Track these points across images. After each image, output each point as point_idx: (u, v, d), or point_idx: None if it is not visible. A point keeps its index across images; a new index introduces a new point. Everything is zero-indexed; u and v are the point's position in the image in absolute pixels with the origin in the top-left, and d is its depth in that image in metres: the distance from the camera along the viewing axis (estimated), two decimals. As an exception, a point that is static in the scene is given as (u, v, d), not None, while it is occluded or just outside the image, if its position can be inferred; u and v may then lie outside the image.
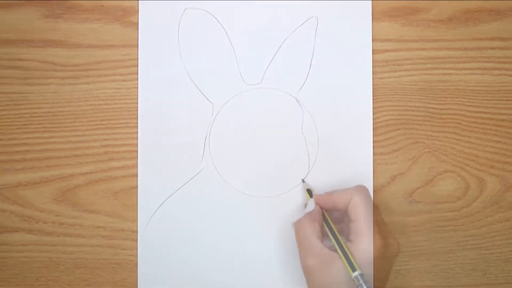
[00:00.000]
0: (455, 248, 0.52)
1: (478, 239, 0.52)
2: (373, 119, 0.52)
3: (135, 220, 0.51)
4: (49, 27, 0.51)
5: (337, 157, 0.51)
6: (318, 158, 0.51)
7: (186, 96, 0.51)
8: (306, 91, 0.52)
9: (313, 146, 0.52)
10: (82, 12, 0.51)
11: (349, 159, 0.51)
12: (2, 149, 0.51)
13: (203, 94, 0.51)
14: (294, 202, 0.51)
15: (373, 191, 0.51)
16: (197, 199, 0.51)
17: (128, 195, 0.51)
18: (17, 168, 0.51)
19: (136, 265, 0.51)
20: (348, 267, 0.43)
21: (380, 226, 0.46)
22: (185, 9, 0.51)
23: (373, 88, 0.52)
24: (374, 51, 0.52)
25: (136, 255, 0.51)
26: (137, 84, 0.51)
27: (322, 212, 0.48)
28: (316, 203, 0.48)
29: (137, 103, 0.51)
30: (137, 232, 0.51)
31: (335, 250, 0.45)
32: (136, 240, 0.51)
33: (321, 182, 0.51)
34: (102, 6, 0.51)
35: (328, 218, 0.47)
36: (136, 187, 0.51)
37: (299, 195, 0.51)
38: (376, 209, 0.47)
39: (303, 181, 0.51)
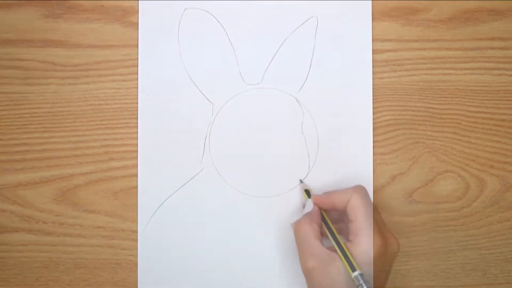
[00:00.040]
0: (455, 248, 0.52)
1: (478, 239, 0.52)
2: (373, 119, 0.52)
3: (135, 220, 0.51)
4: (49, 27, 0.51)
5: (337, 157, 0.51)
6: (318, 158, 0.51)
7: (186, 96, 0.51)
8: (306, 91, 0.52)
9: (313, 146, 0.52)
10: (82, 12, 0.51)
11: (349, 159, 0.51)
12: (2, 149, 0.51)
13: (203, 94, 0.51)
14: (294, 202, 0.51)
15: (373, 191, 0.51)
16: (197, 199, 0.51)
17: (128, 195, 0.51)
18: (17, 168, 0.51)
19: (136, 265, 0.51)
20: (348, 267, 0.43)
21: (379, 225, 0.45)
22: (185, 9, 0.51)
23: (373, 88, 0.52)
24: (374, 51, 0.52)
25: (136, 255, 0.51)
26: (137, 84, 0.51)
27: (321, 212, 0.48)
28: (315, 204, 0.48)
29: (137, 103, 0.51)
30: (137, 232, 0.51)
31: (335, 251, 0.45)
32: (136, 240, 0.51)
33: (321, 182, 0.51)
34: (102, 6, 0.51)
35: (327, 219, 0.47)
36: (136, 187, 0.51)
37: (299, 195, 0.51)
38: (375, 208, 0.47)
39: (301, 181, 0.51)
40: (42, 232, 0.51)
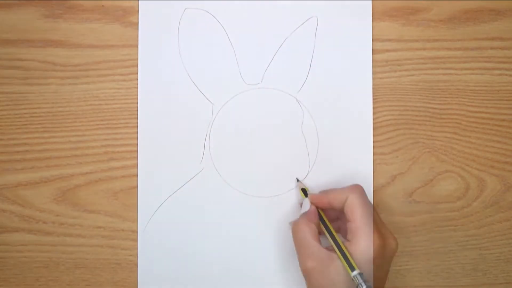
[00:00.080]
0: (455, 248, 0.52)
1: (478, 239, 0.52)
2: (373, 119, 0.52)
3: (135, 220, 0.51)
4: (49, 27, 0.51)
5: (337, 157, 0.51)
6: (318, 158, 0.51)
7: (186, 96, 0.51)
8: (306, 91, 0.52)
9: (313, 146, 0.52)
10: (82, 12, 0.51)
11: (349, 159, 0.51)
12: (2, 149, 0.51)
13: (203, 94, 0.51)
14: (294, 202, 0.51)
15: (373, 191, 0.51)
16: (197, 199, 0.51)
17: (128, 195, 0.51)
18: (17, 168, 0.51)
19: (136, 265, 0.51)
20: (347, 267, 0.43)
21: (378, 224, 0.45)
22: (185, 9, 0.51)
23: (373, 88, 0.52)
24: (374, 51, 0.52)
25: (136, 255, 0.51)
26: (137, 84, 0.51)
27: (318, 211, 0.48)
28: (312, 203, 0.48)
29: (137, 103, 0.51)
30: (137, 232, 0.51)
31: (333, 250, 0.45)
32: (136, 240, 0.51)
33: (321, 182, 0.51)
34: (102, 6, 0.51)
35: (324, 218, 0.47)
36: (136, 187, 0.51)
37: (299, 195, 0.51)
38: (374, 207, 0.47)
39: (297, 180, 0.51)
40: (42, 232, 0.51)
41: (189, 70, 0.51)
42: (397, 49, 0.52)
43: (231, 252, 0.51)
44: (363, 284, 0.42)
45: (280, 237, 0.51)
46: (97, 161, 0.51)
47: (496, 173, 0.52)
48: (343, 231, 0.48)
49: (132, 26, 0.51)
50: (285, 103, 0.52)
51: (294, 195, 0.51)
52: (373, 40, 0.52)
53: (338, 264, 0.44)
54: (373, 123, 0.52)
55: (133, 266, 0.51)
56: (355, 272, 0.43)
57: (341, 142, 0.51)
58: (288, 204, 0.51)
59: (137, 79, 0.51)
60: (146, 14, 0.51)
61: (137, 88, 0.51)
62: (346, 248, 0.44)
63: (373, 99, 0.52)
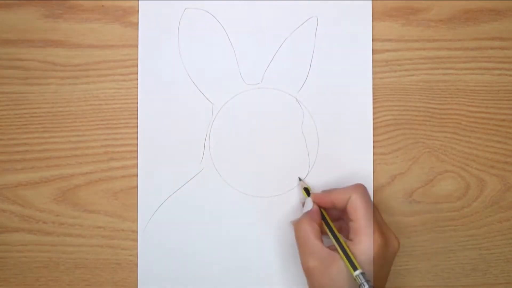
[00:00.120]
0: (455, 248, 0.52)
1: (478, 239, 0.52)
2: (373, 119, 0.52)
3: (135, 220, 0.51)
4: (49, 27, 0.51)
5: (337, 157, 0.51)
6: (318, 158, 0.51)
7: (186, 96, 0.51)
8: (306, 91, 0.52)
9: (313, 146, 0.52)
10: (82, 12, 0.51)
11: (349, 159, 0.51)
12: (2, 149, 0.51)
13: (203, 94, 0.51)
14: (294, 202, 0.51)
15: (373, 191, 0.51)
16: (197, 199, 0.51)
17: (128, 195, 0.51)
18: (17, 168, 0.51)
19: (136, 265, 0.51)
20: (349, 267, 0.43)
21: (380, 224, 0.45)
22: (185, 9, 0.51)
23: (373, 88, 0.52)
24: (374, 51, 0.52)
25: (136, 255, 0.51)
26: (137, 84, 0.51)
27: (321, 211, 0.48)
28: (314, 202, 0.48)
29: (137, 103, 0.51)
30: (137, 232, 0.51)
31: (335, 250, 0.45)
32: (136, 240, 0.51)
33: (321, 182, 0.51)
34: (102, 6, 0.51)
35: (327, 217, 0.47)
36: (136, 187, 0.51)
37: (299, 195, 0.51)
38: (376, 207, 0.47)
39: (300, 179, 0.51)
40: (42, 232, 0.51)
41: (189, 70, 0.51)
42: (397, 49, 0.52)
43: (231, 252, 0.51)
44: (365, 284, 0.42)
45: (280, 237, 0.51)
46: (97, 161, 0.51)
47: (496, 173, 0.52)
48: (345, 231, 0.48)
49: (132, 26, 0.51)
50: (285, 103, 0.52)
51: (294, 195, 0.51)
52: (373, 40, 0.52)
53: (340, 263, 0.44)
54: (373, 123, 0.52)
55: (133, 266, 0.51)
56: (357, 272, 0.43)
57: (341, 142, 0.51)
58: (288, 204, 0.51)
59: (137, 79, 0.51)
60: (146, 14, 0.51)
61: (137, 88, 0.51)
62: (348, 247, 0.44)
63: (373, 99, 0.52)
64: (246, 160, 0.51)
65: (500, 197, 0.52)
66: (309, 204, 0.48)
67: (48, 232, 0.51)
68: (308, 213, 0.47)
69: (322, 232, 0.47)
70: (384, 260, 0.45)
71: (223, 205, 0.51)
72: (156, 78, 0.51)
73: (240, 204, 0.51)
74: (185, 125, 0.51)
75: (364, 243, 0.44)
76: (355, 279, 0.43)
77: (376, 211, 0.47)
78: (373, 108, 0.52)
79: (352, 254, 0.44)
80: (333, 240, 0.45)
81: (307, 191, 0.50)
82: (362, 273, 0.43)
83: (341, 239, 0.45)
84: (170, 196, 0.51)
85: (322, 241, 0.45)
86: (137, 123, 0.51)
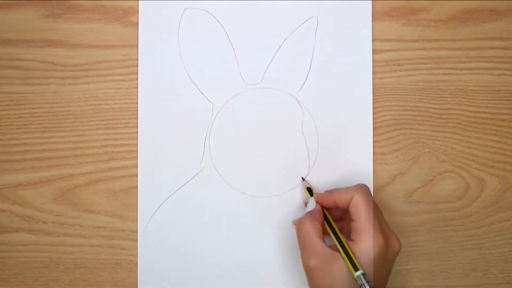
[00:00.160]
0: (455, 248, 0.52)
1: (478, 239, 0.52)
2: (373, 119, 0.52)
3: (135, 220, 0.51)
4: (49, 27, 0.51)
5: (337, 157, 0.51)
6: (318, 158, 0.51)
7: (186, 96, 0.51)
8: (306, 91, 0.52)
9: (313, 146, 0.51)
10: (82, 12, 0.51)
11: (349, 159, 0.51)
12: (2, 149, 0.51)
13: (203, 94, 0.51)
14: (294, 202, 0.51)
15: (373, 191, 0.51)
16: (197, 199, 0.51)
17: (128, 195, 0.51)
18: (17, 168, 0.51)
19: (136, 265, 0.51)
20: (351, 267, 0.43)
21: (381, 224, 0.45)
22: (185, 9, 0.51)
23: (373, 88, 0.52)
24: (374, 51, 0.52)
25: (136, 255, 0.51)
26: (137, 84, 0.51)
27: (323, 211, 0.48)
28: (317, 202, 0.48)
29: (137, 103, 0.51)
30: (137, 232, 0.51)
31: (337, 250, 0.45)
32: (136, 240, 0.51)
33: (321, 182, 0.51)
34: (102, 6, 0.51)
35: (329, 217, 0.47)
36: (136, 187, 0.51)
37: (299, 195, 0.51)
38: (377, 207, 0.47)
39: (303, 179, 0.51)
40: (42, 232, 0.51)
41: (189, 70, 0.51)
42: (397, 49, 0.52)
43: (231, 252, 0.51)
44: (366, 284, 0.42)
45: (280, 237, 0.51)
46: (97, 161, 0.51)
47: (496, 173, 0.52)
48: (346, 231, 0.48)
49: (132, 26, 0.51)
50: (285, 103, 0.52)
51: (294, 195, 0.51)
52: (373, 40, 0.52)
53: (341, 263, 0.44)
54: (373, 123, 0.52)
55: (133, 266, 0.51)
56: (358, 272, 0.43)
57: (341, 142, 0.51)
58: (288, 204, 0.51)
59: (137, 79, 0.51)
60: (146, 14, 0.51)
61: (137, 88, 0.51)
62: (349, 247, 0.44)
63: (373, 99, 0.52)
64: (246, 160, 0.51)
65: (500, 197, 0.52)
66: (312, 204, 0.48)
67: (48, 232, 0.51)
68: (310, 212, 0.47)
69: (324, 232, 0.47)
70: (385, 261, 0.45)
71: (223, 205, 0.51)
72: (156, 78, 0.51)
73: (240, 204, 0.51)
74: (185, 125, 0.51)
75: (366, 243, 0.44)
76: (356, 280, 0.43)
77: (378, 211, 0.47)
78: (373, 108, 0.52)
79: (353, 254, 0.44)
80: (335, 240, 0.45)
81: (310, 191, 0.50)
82: (363, 274, 0.43)
83: (343, 239, 0.45)
84: (170, 196, 0.51)
85: (324, 241, 0.45)
86: (137, 123, 0.51)
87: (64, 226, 0.51)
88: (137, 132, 0.51)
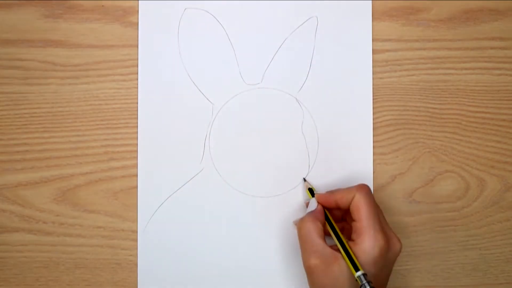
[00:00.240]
0: (455, 248, 0.52)
1: (478, 239, 0.52)
2: (373, 119, 0.52)
3: (135, 220, 0.51)
4: (49, 27, 0.51)
5: (337, 157, 0.51)
6: (318, 158, 0.51)
7: (186, 96, 0.51)
8: (306, 91, 0.52)
9: (313, 146, 0.51)
10: (82, 12, 0.51)
11: (349, 159, 0.51)
12: (2, 149, 0.51)
13: (203, 94, 0.51)
14: (294, 202, 0.51)
15: (373, 191, 0.51)
16: (197, 199, 0.51)
17: (128, 195, 0.51)
18: (17, 168, 0.51)
19: (136, 265, 0.51)
20: (351, 267, 0.43)
21: (382, 225, 0.45)
22: (185, 9, 0.51)
23: (373, 88, 0.52)
24: (374, 51, 0.52)
25: (136, 255, 0.51)
26: (137, 84, 0.51)
27: (324, 211, 0.48)
28: (318, 202, 0.48)
29: (137, 103, 0.51)
30: (137, 232, 0.51)
31: (338, 250, 0.45)
32: (136, 240, 0.51)
33: (321, 182, 0.51)
34: (102, 6, 0.51)
35: (330, 218, 0.47)
36: (136, 187, 0.51)
37: (300, 195, 0.51)
38: (378, 208, 0.47)
39: (304, 180, 0.51)
40: (42, 232, 0.51)
41: (189, 70, 0.51)
42: (397, 49, 0.52)
43: (231, 252, 0.51)
44: (366, 284, 0.42)
45: (280, 237, 0.51)
46: (97, 161, 0.51)
47: (496, 173, 0.52)
48: (347, 232, 0.48)
49: (132, 26, 0.51)
50: (285, 103, 0.52)
51: (294, 195, 0.51)
52: (373, 40, 0.52)
53: (341, 263, 0.44)
54: (373, 123, 0.52)
55: (133, 266, 0.51)
56: (359, 273, 0.43)
57: (341, 142, 0.51)
58: (288, 204, 0.51)
59: (137, 79, 0.51)
60: (146, 14, 0.51)
61: (137, 88, 0.51)
62: (350, 248, 0.44)
63: (373, 99, 0.52)
64: (246, 160, 0.51)
65: (500, 197, 0.52)
66: (314, 204, 0.48)
67: (48, 232, 0.51)
68: (312, 212, 0.47)
69: (325, 233, 0.47)
70: (386, 261, 0.45)
71: (223, 205, 0.51)
72: (156, 78, 0.51)
73: (240, 204, 0.51)
74: (185, 125, 0.51)
75: (366, 244, 0.44)
76: (356, 280, 0.43)
77: (379, 212, 0.47)
78: (373, 108, 0.52)
79: (354, 254, 0.44)
80: (336, 240, 0.45)
81: (311, 191, 0.49)
82: (364, 274, 0.43)
83: (344, 239, 0.45)
84: (170, 196, 0.51)
85: (325, 241, 0.45)
86: (137, 123, 0.51)
87: (64, 226, 0.51)
88: (137, 132, 0.51)
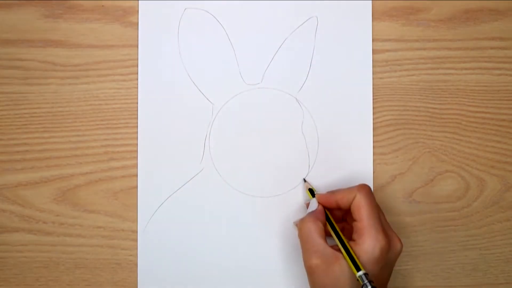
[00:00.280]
0: (456, 248, 0.52)
1: (479, 239, 0.52)
2: (373, 119, 0.52)
3: (135, 220, 0.51)
4: (49, 27, 0.51)
5: (337, 157, 0.51)
6: (318, 158, 0.51)
7: (186, 96, 0.51)
8: (306, 91, 0.52)
9: (313, 146, 0.51)
10: (82, 12, 0.51)
11: (349, 159, 0.51)
12: (2, 149, 0.51)
13: (203, 94, 0.51)
14: (294, 202, 0.51)
15: (373, 191, 0.51)
16: (197, 199, 0.51)
17: (128, 195, 0.51)
18: (17, 168, 0.51)
19: (136, 265, 0.51)
20: (352, 267, 0.43)
21: (383, 225, 0.45)
22: (185, 9, 0.51)
23: (373, 88, 0.52)
24: (374, 51, 0.52)
25: (136, 255, 0.51)
26: (137, 84, 0.51)
27: (325, 211, 0.48)
28: (319, 203, 0.48)
29: (137, 103, 0.51)
30: (137, 232, 0.51)
31: (339, 250, 0.45)
32: (136, 240, 0.51)
33: (321, 182, 0.51)
34: (102, 6, 0.51)
35: (330, 218, 0.47)
36: (136, 187, 0.51)
37: (300, 195, 0.51)
38: (379, 208, 0.47)
39: (304, 180, 0.51)
40: (42, 232, 0.51)
41: (189, 70, 0.51)
42: (397, 49, 0.52)
43: (231, 252, 0.51)
44: (368, 284, 0.42)
45: (281, 237, 0.51)
46: (97, 161, 0.51)
47: (496, 173, 0.52)
48: (348, 232, 0.48)
49: (132, 26, 0.51)
50: (285, 103, 0.52)
51: (294, 195, 0.51)
52: (373, 40, 0.52)
53: (342, 263, 0.44)
54: (373, 123, 0.52)
55: (133, 266, 0.51)
56: (360, 273, 0.43)
57: (341, 142, 0.51)
58: (288, 204, 0.51)
59: (137, 79, 0.51)
60: (146, 14, 0.51)
61: (137, 88, 0.51)
62: (351, 248, 0.44)
63: (373, 99, 0.52)
64: (246, 160, 0.51)
65: (500, 197, 0.52)
66: (314, 205, 0.48)
67: (48, 232, 0.51)
68: (313, 212, 0.47)
69: (326, 233, 0.46)
70: (387, 261, 0.45)
71: (223, 205, 0.51)
72: (156, 78, 0.51)
73: (240, 204, 0.51)
74: (185, 125, 0.51)
75: (367, 244, 0.44)
76: (357, 279, 0.43)
77: (380, 212, 0.47)
78: (373, 108, 0.52)
79: (355, 254, 0.44)
80: (336, 240, 0.45)
81: (312, 192, 0.49)
82: (365, 274, 0.43)
83: (345, 239, 0.45)
84: (170, 196, 0.51)
85: (325, 241, 0.45)
86: (137, 123, 0.51)
87: (64, 226, 0.51)
88: (137, 132, 0.51)
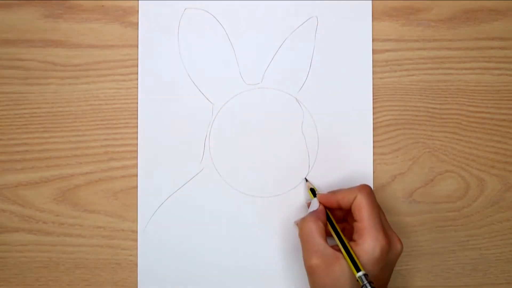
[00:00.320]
0: (456, 248, 0.52)
1: (479, 239, 0.52)
2: (373, 119, 0.52)
3: (135, 220, 0.51)
4: (49, 27, 0.51)
5: (337, 157, 0.51)
6: (318, 158, 0.51)
7: (186, 96, 0.51)
8: (306, 91, 0.52)
9: (313, 146, 0.51)
10: (82, 12, 0.51)
11: (349, 159, 0.51)
12: (2, 149, 0.51)
13: (203, 94, 0.51)
14: (294, 202, 0.51)
15: (373, 191, 0.51)
16: (197, 199, 0.51)
17: (128, 195, 0.51)
18: (17, 168, 0.51)
19: (136, 265, 0.51)
20: (352, 267, 0.43)
21: (384, 225, 0.45)
22: (185, 9, 0.51)
23: (373, 88, 0.52)
24: (374, 51, 0.52)
25: (136, 255, 0.51)
26: (137, 84, 0.51)
27: (326, 211, 0.48)
28: (320, 203, 0.48)
29: (137, 103, 0.51)
30: (137, 232, 0.51)
31: (339, 250, 0.45)
32: (136, 240, 0.51)
33: (321, 182, 0.51)
34: (102, 6, 0.51)
35: (331, 218, 0.47)
36: (136, 187, 0.51)
37: (300, 195, 0.51)
38: (380, 208, 0.47)
39: (306, 180, 0.51)
40: (42, 232, 0.51)
41: (189, 70, 0.51)
42: (397, 49, 0.52)
43: (231, 252, 0.51)
44: (368, 285, 0.42)
45: (281, 237, 0.51)
46: (97, 161, 0.51)
47: (496, 173, 0.52)
48: (348, 232, 0.48)
49: (132, 26, 0.51)
50: (285, 103, 0.52)
51: (294, 195, 0.51)
52: (373, 40, 0.52)
53: (343, 263, 0.44)
54: (373, 123, 0.52)
55: (133, 266, 0.51)
56: (360, 273, 0.43)
57: (341, 142, 0.51)
58: (288, 204, 0.51)
59: (137, 79, 0.51)
60: (146, 14, 0.51)
61: (137, 88, 0.51)
62: (351, 248, 0.44)
63: (373, 99, 0.52)
64: (246, 160, 0.51)
65: (500, 197, 0.52)
66: (315, 204, 0.48)
67: (48, 232, 0.51)
68: (313, 212, 0.47)
69: (326, 233, 0.46)
70: (387, 262, 0.45)
71: (223, 205, 0.51)
72: (156, 78, 0.51)
73: (240, 204, 0.51)
74: (185, 125, 0.51)
75: (368, 244, 0.44)
76: (357, 280, 0.43)
77: (381, 212, 0.47)
78: (373, 108, 0.52)
79: (355, 254, 0.44)
80: (337, 240, 0.45)
81: (313, 191, 0.49)
82: (365, 274, 0.43)
83: (345, 239, 0.45)
84: (170, 196, 0.51)
85: (326, 241, 0.45)
86: (137, 123, 0.51)
87: (64, 226, 0.51)
88: (137, 132, 0.51)
